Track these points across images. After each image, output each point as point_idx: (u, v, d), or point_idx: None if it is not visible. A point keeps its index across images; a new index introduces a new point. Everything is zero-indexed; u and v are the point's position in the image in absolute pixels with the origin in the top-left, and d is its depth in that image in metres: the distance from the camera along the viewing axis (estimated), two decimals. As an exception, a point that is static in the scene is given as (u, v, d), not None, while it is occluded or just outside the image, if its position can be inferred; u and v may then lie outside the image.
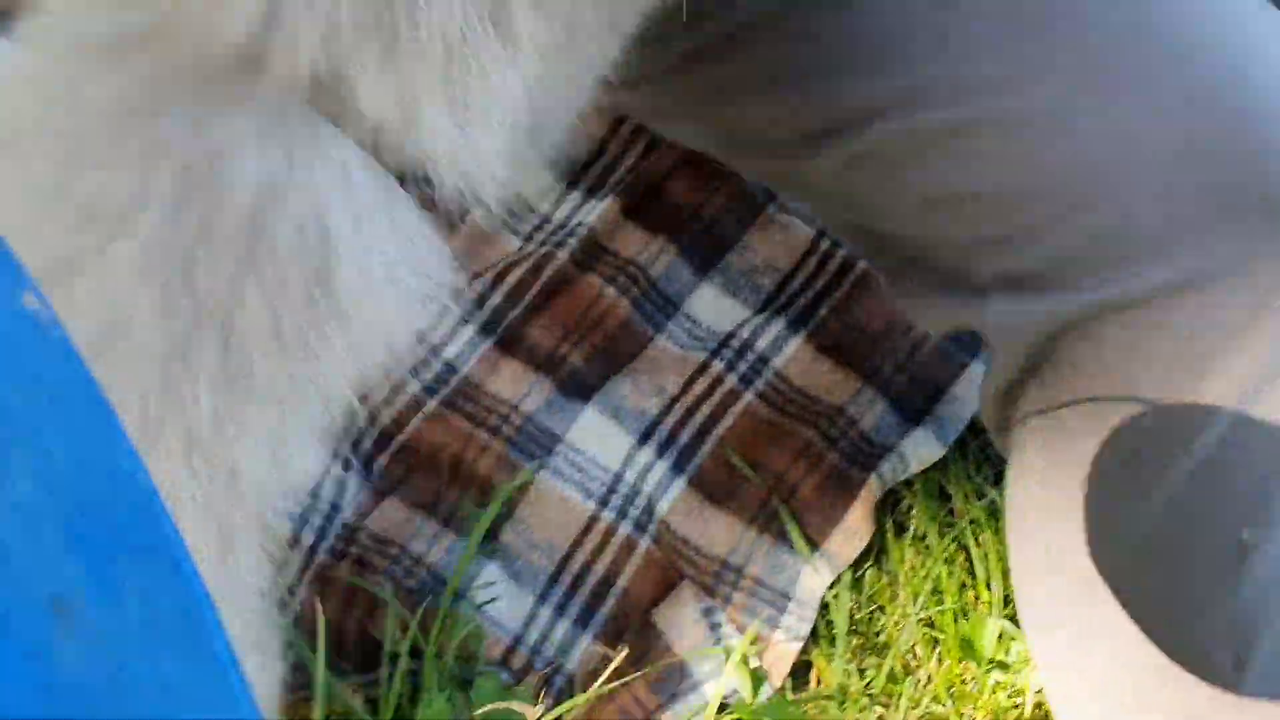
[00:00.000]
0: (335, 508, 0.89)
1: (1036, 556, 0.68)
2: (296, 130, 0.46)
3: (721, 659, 0.85)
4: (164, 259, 0.45)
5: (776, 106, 0.69)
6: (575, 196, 0.98)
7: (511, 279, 0.94)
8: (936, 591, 0.89)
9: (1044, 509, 0.67)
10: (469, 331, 0.93)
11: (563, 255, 0.95)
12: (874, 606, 0.89)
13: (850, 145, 0.66)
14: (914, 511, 0.91)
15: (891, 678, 0.86)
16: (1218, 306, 0.58)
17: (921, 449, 0.91)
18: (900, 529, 0.91)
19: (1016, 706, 0.85)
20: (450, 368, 0.92)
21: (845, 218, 0.76)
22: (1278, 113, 0.58)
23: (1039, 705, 0.84)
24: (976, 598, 0.88)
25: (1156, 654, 0.63)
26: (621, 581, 0.88)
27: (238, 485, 0.48)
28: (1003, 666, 0.86)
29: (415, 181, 0.49)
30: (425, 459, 0.90)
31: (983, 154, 0.61)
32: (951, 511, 0.91)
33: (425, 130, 0.47)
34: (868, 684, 0.86)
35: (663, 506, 0.89)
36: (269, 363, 0.47)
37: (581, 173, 0.99)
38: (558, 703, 0.83)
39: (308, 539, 0.87)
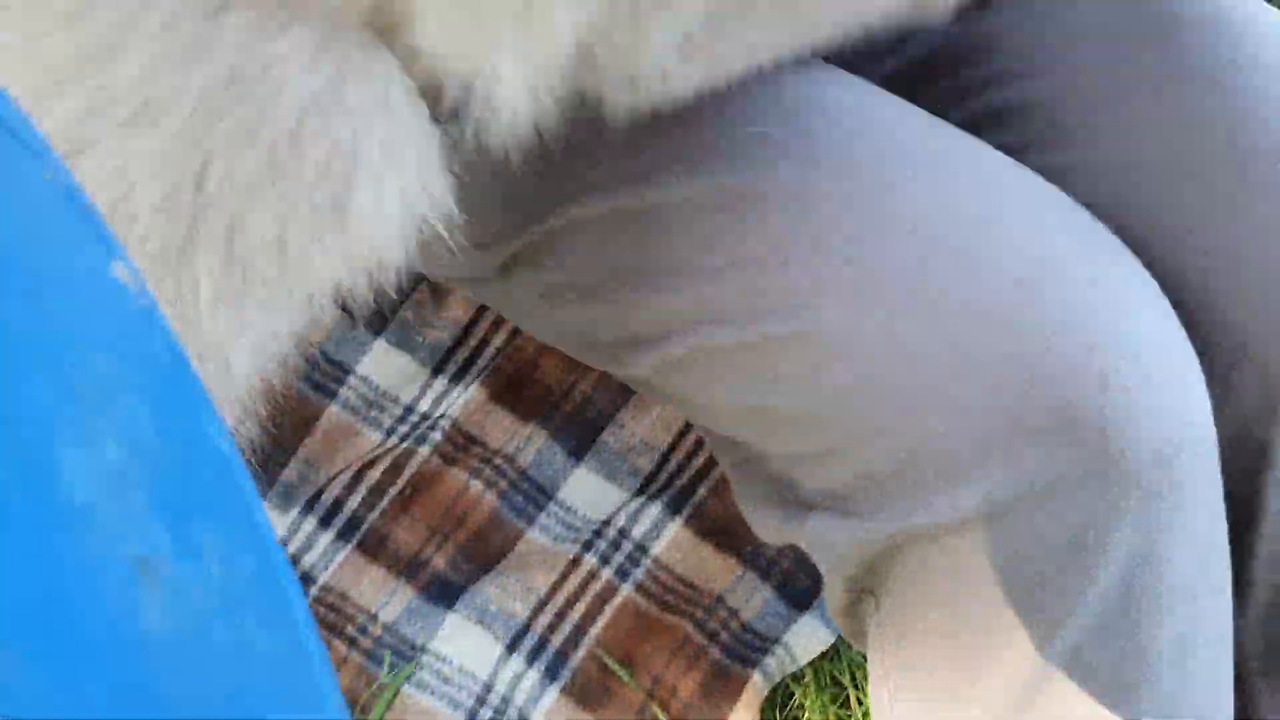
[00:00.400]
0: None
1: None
2: (350, 51, 0.47)
3: None
4: (183, 158, 0.46)
5: (591, 313, 0.66)
6: (440, 384, 0.94)
7: (371, 477, 0.90)
8: (834, 794, 0.82)
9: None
10: (327, 537, 0.88)
11: (425, 450, 0.90)
12: (768, 814, 0.83)
13: (662, 354, 0.63)
14: (806, 705, 0.85)
15: None
16: (1028, 535, 0.54)
17: (809, 638, 0.85)
18: (793, 726, 0.85)
19: None
20: (308, 577, 0.87)
21: (692, 419, 0.73)
22: (1058, 324, 0.54)
23: None
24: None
25: None
26: (493, 804, 0.82)
27: (231, 376, 0.50)
28: None
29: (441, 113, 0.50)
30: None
31: (779, 373, 0.58)
32: (847, 701, 0.86)
33: (482, 70, 0.48)
34: None
35: (535, 718, 0.83)
36: (269, 269, 0.49)
37: (446, 359, 0.95)
38: None
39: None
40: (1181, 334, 0.57)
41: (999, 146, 0.63)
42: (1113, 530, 0.54)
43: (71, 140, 0.46)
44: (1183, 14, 0.64)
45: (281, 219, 0.48)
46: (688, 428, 0.93)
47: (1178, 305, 0.59)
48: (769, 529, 0.65)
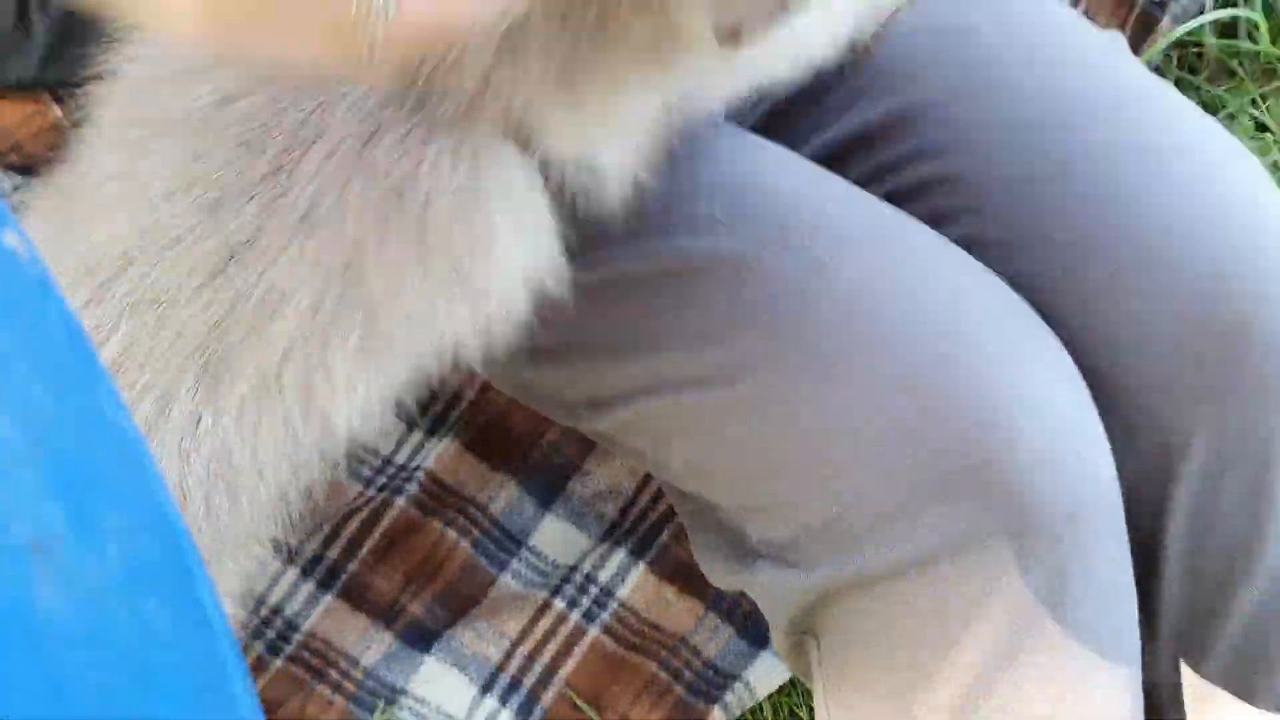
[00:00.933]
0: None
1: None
2: (483, 150, 0.57)
3: None
4: (337, 251, 0.56)
5: (554, 376, 0.71)
6: (415, 437, 0.99)
7: (350, 529, 0.94)
8: (793, 822, 0.87)
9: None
10: (309, 586, 0.93)
11: (402, 501, 0.95)
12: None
13: (618, 415, 0.68)
14: (766, 739, 0.90)
15: None
16: (952, 582, 0.59)
17: (767, 674, 0.90)
18: (754, 758, 0.90)
19: None
20: (290, 625, 0.92)
21: (649, 470, 0.78)
22: (973, 394, 0.60)
23: None
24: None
25: None
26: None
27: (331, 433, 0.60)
28: None
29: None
30: (269, 717, 0.89)
31: (724, 435, 0.63)
32: (806, 734, 0.90)
33: (596, 160, 0.61)
34: None
35: (509, 756, 0.87)
36: (401, 334, 0.59)
37: (421, 413, 1.00)
38: None
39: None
40: (1087, 400, 0.63)
41: (924, 216, 0.69)
42: (1025, 577, 0.59)
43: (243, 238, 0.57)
44: (1090, 96, 0.70)
45: (426, 295, 0.58)
46: (649, 476, 0.98)
47: (1087, 370, 0.64)
48: (719, 575, 0.71)
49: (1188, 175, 0.68)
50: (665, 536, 0.95)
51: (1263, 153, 1.09)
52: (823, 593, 0.62)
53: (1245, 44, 1.13)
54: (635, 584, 0.93)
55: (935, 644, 0.60)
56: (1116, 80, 0.72)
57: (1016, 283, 0.66)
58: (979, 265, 0.65)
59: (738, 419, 0.62)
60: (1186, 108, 0.72)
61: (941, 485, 0.59)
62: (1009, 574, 0.59)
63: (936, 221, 0.69)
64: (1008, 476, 0.59)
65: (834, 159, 0.72)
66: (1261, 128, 1.13)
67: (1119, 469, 0.63)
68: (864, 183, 0.71)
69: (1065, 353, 0.63)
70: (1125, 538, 0.63)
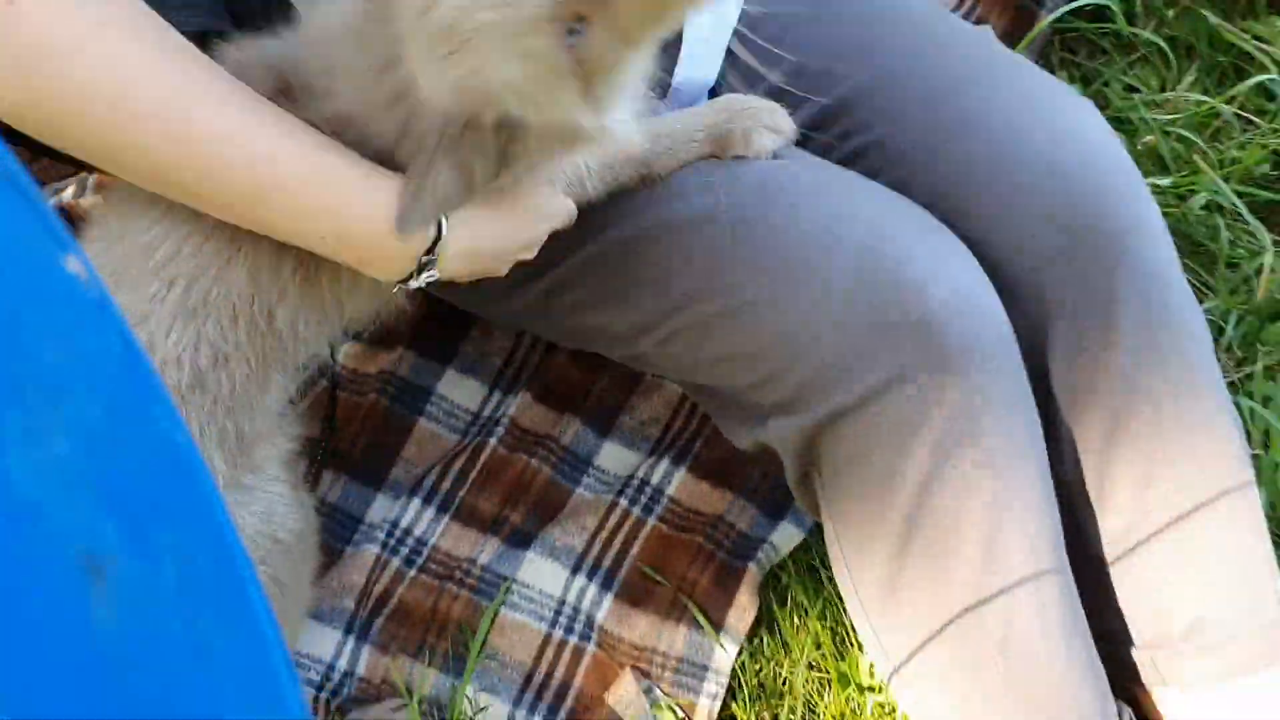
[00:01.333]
0: (347, 673, 1.15)
1: (845, 584, 0.96)
2: None
3: (659, 723, 1.10)
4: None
5: (604, 316, 0.99)
6: (496, 395, 1.27)
7: (457, 466, 1.22)
8: (818, 645, 1.15)
9: (839, 553, 0.95)
10: (430, 511, 1.21)
11: (493, 441, 1.23)
12: (774, 662, 1.15)
13: (655, 335, 0.96)
14: (791, 586, 1.18)
15: (797, 713, 1.12)
16: (897, 406, 0.87)
17: (787, 537, 1.18)
18: (784, 601, 1.17)
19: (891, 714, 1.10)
20: (420, 541, 1.20)
21: (680, 379, 1.07)
22: (894, 269, 0.89)
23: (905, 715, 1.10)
24: (848, 641, 1.15)
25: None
26: (577, 681, 1.14)
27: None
28: (876, 689, 1.12)
29: None
30: (410, 614, 1.17)
31: (732, 331, 0.92)
32: (821, 580, 1.18)
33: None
34: (776, 723, 1.11)
35: (599, 617, 1.15)
36: None
37: (499, 376, 1.28)
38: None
39: (324, 698, 1.13)
40: (982, 275, 0.91)
41: (863, 171, 0.98)
42: (950, 395, 0.87)
43: None
44: (971, 70, 0.99)
45: None
46: (680, 404, 1.26)
47: (981, 256, 0.93)
48: (743, 438, 0.99)
49: (1046, 112, 0.97)
50: (698, 446, 1.23)
51: (1132, 109, 1.39)
52: (816, 429, 0.90)
53: (1109, 25, 1.43)
54: (679, 483, 1.21)
55: (893, 452, 0.87)
56: (990, 58, 1.01)
57: (930, 205, 0.95)
58: (901, 196, 0.94)
59: (744, 318, 0.91)
60: (1038, 73, 1.01)
61: (881, 337, 0.87)
62: (938, 395, 0.87)
63: (872, 174, 0.98)
64: (928, 327, 0.87)
65: (803, 136, 1.01)
66: (1131, 89, 1.42)
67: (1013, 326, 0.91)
68: (819, 153, 1.00)
69: (963, 245, 0.92)
70: (1023, 368, 0.91)
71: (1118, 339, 0.92)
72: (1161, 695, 0.97)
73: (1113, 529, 0.95)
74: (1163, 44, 1.40)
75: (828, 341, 0.88)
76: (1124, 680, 0.97)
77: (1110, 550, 0.95)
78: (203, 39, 0.82)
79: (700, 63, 1.00)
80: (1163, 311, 0.92)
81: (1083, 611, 0.91)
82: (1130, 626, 0.96)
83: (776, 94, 1.01)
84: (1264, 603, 0.93)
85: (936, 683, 0.92)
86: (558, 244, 0.94)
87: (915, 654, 0.91)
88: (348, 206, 0.79)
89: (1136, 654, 0.96)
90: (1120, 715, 0.94)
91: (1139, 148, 1.34)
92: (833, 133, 1.03)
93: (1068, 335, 0.94)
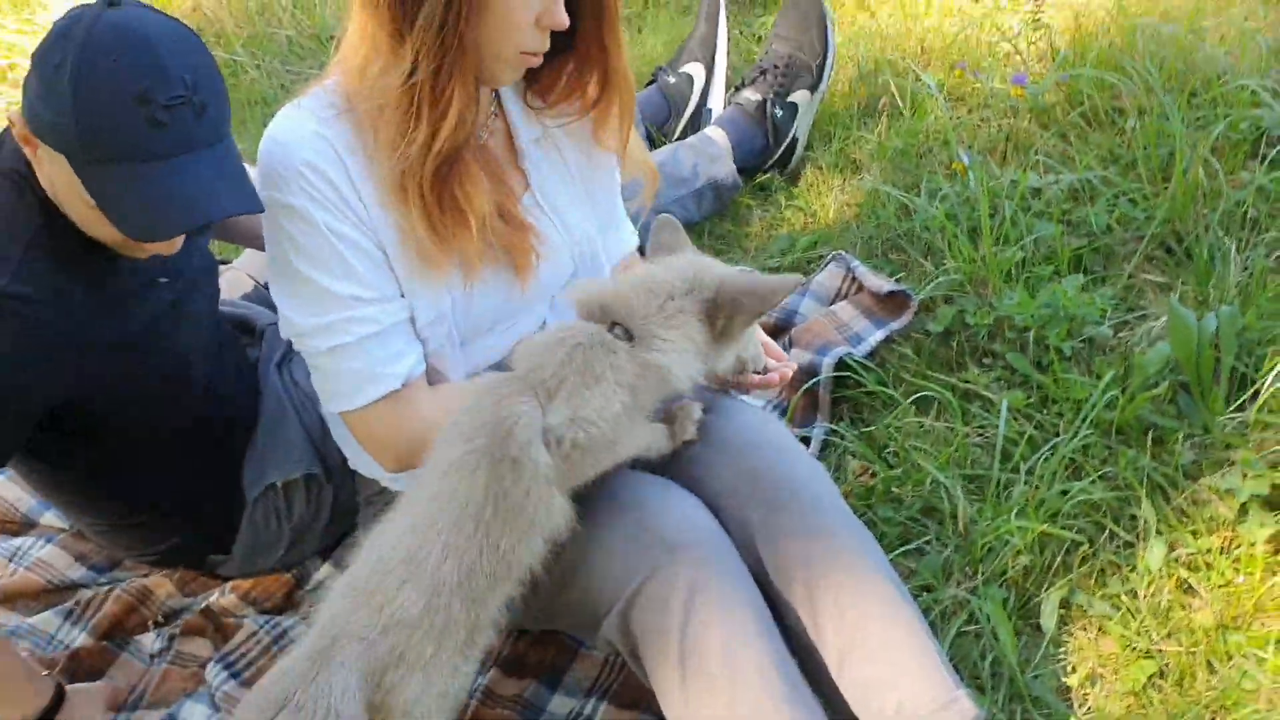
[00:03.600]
0: None
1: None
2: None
3: None
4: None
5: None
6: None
7: None
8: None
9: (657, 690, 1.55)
10: None
11: (473, 703, 1.83)
12: None
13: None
14: None
15: None
16: (653, 592, 1.51)
17: None
18: None
19: None
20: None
21: (553, 625, 1.70)
22: (654, 515, 1.57)
23: None
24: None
25: None
26: None
27: None
28: None
29: None
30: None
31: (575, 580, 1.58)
32: None
33: None
34: None
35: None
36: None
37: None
38: None
39: None
40: (706, 510, 1.56)
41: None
42: (684, 574, 1.48)
43: None
44: (749, 440, 1.69)
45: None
46: (605, 662, 1.85)
47: (707, 501, 1.59)
48: (598, 642, 1.60)
49: (773, 441, 1.66)
50: (615, 686, 1.81)
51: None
52: (622, 616, 1.51)
53: (867, 382, 2.15)
54: (602, 714, 1.78)
55: (660, 625, 1.47)
56: (764, 428, 1.71)
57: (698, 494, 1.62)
58: (665, 480, 1.61)
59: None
60: (785, 436, 1.69)
61: (642, 553, 1.51)
62: (675, 579, 1.46)
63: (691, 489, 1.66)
64: (665, 541, 1.50)
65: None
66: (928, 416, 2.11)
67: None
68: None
69: (697, 498, 1.58)
70: (734, 551, 1.53)
71: (789, 535, 1.55)
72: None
73: (828, 650, 1.52)
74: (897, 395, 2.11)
75: (614, 572, 1.52)
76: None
77: (831, 665, 1.52)
78: None
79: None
80: (812, 518, 1.56)
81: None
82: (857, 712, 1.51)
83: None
84: (943, 683, 1.49)
85: None
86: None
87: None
88: None
89: None
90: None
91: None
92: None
93: (762, 534, 1.56)
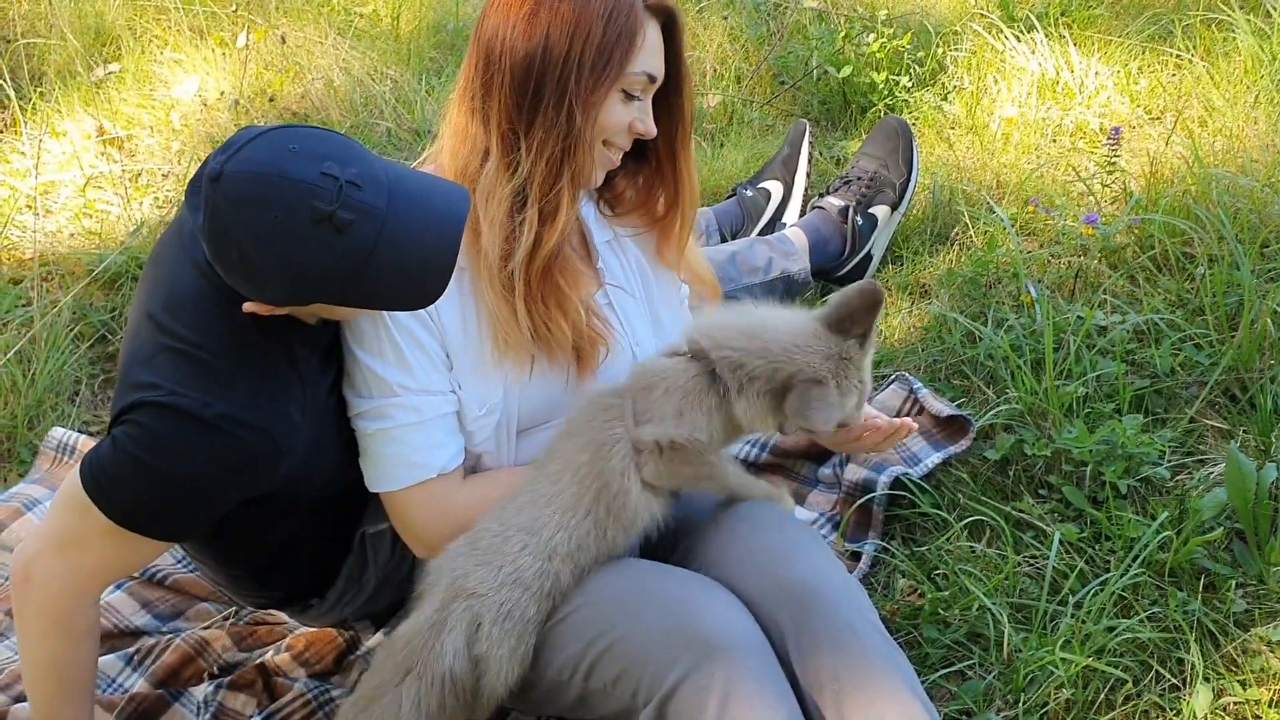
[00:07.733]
0: None
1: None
2: None
3: None
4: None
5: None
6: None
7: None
8: None
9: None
10: None
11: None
12: None
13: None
14: None
15: None
16: (689, 692, 1.54)
17: None
18: None
19: None
20: None
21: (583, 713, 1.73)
22: (692, 612, 1.61)
23: None
24: None
25: None
26: None
27: None
28: None
29: None
30: None
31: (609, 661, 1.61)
32: None
33: None
34: None
35: None
36: None
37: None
38: None
39: None
40: (745, 610, 1.59)
41: (679, 564, 1.71)
42: (717, 674, 1.50)
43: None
44: (778, 545, 1.72)
45: None
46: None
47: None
48: None
49: (810, 555, 1.69)
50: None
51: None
52: (659, 710, 1.53)
53: (921, 503, 2.17)
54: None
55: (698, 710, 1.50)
56: (796, 539, 1.75)
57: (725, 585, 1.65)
58: (707, 578, 1.64)
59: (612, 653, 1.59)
60: (818, 545, 1.73)
61: (675, 648, 1.53)
62: (711, 679, 1.48)
63: (682, 563, 1.70)
64: (704, 640, 1.52)
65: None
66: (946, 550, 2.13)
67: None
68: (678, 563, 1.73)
69: (737, 599, 1.61)
70: (770, 652, 1.55)
71: (818, 644, 1.57)
72: None
73: None
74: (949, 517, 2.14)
75: (649, 657, 1.54)
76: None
77: None
78: None
79: None
80: (845, 632, 1.58)
81: None
82: None
83: None
84: None
85: None
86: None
87: None
88: None
89: None
90: None
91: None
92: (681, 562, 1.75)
93: (795, 640, 1.58)
